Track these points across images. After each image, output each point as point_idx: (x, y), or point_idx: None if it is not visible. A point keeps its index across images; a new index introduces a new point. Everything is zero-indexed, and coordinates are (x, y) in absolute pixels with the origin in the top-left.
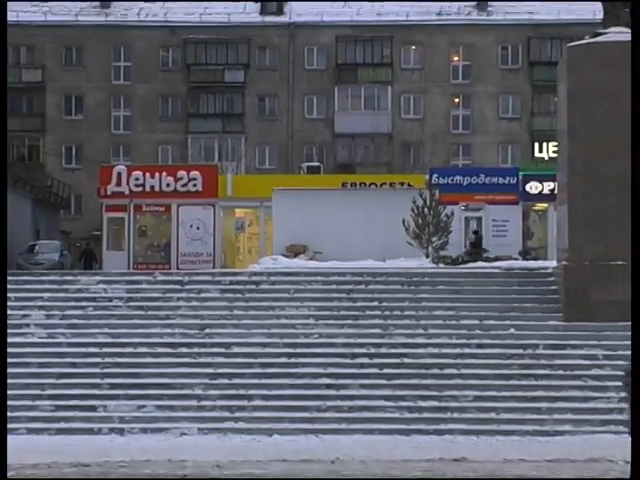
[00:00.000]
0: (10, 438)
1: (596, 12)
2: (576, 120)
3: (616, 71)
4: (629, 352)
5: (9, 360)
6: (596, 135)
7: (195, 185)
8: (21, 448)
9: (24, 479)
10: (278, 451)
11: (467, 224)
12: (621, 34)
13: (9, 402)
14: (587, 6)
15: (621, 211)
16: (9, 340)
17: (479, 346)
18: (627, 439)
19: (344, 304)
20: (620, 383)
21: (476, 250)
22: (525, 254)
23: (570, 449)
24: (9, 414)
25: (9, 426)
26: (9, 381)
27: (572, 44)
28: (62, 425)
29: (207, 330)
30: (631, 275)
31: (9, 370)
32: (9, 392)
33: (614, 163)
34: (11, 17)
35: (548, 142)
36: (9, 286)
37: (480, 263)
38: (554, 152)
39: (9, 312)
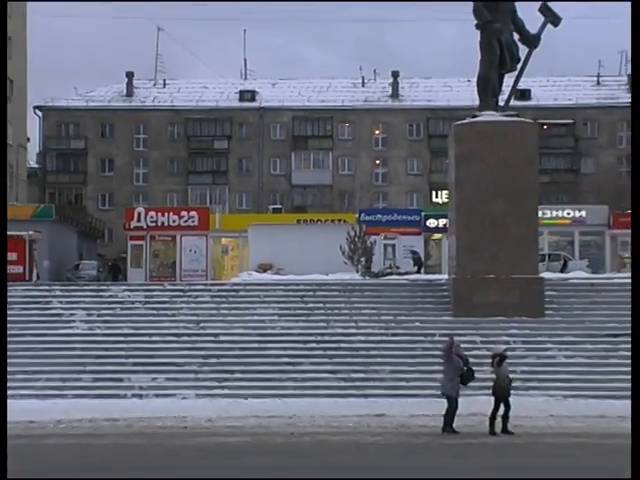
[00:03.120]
0: (61, 401)
1: (474, 100)
2: (461, 175)
3: (487, 141)
4: (498, 338)
5: (60, 346)
6: (475, 186)
7: (193, 221)
8: (69, 408)
9: (25, 479)
10: (252, 410)
11: (385, 249)
12: (491, 116)
13: (60, 375)
14: (468, 95)
15: (493, 240)
16: (61, 332)
17: (394, 335)
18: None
19: (299, 305)
20: (491, 360)
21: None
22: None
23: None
24: (61, 384)
25: (61, 393)
26: (59, 360)
27: (458, 123)
28: (98, 392)
29: (201, 324)
30: (631, 276)
31: (60, 352)
32: (59, 368)
33: (487, 206)
34: (62, 103)
35: (442, 191)
36: (60, 294)
37: (394, 276)
38: (446, 198)
39: (60, 312)
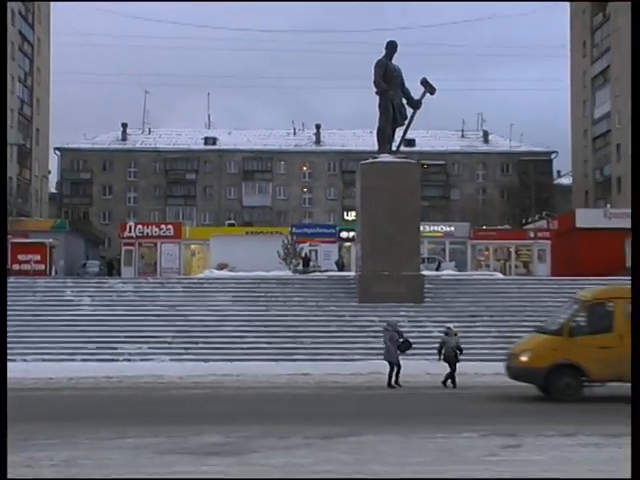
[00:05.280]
0: (72, 364)
1: (374, 146)
2: (365, 201)
3: (384, 176)
4: (390, 317)
5: (72, 323)
6: (374, 209)
7: (170, 232)
8: (78, 369)
9: (28, 479)
10: (211, 370)
11: (310, 253)
12: (386, 158)
13: (71, 345)
14: (370, 142)
15: (387, 247)
16: (72, 312)
17: (316, 315)
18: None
19: (247, 294)
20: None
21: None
22: (339, 264)
23: (361, 368)
24: (72, 351)
25: (72, 357)
26: (71, 334)
27: (363, 162)
28: (99, 357)
29: (176, 308)
30: (631, 276)
31: (71, 328)
32: (71, 339)
33: (384, 223)
34: (74, 145)
35: (351, 211)
36: (72, 285)
37: (317, 273)
38: (354, 217)
39: (71, 298)
